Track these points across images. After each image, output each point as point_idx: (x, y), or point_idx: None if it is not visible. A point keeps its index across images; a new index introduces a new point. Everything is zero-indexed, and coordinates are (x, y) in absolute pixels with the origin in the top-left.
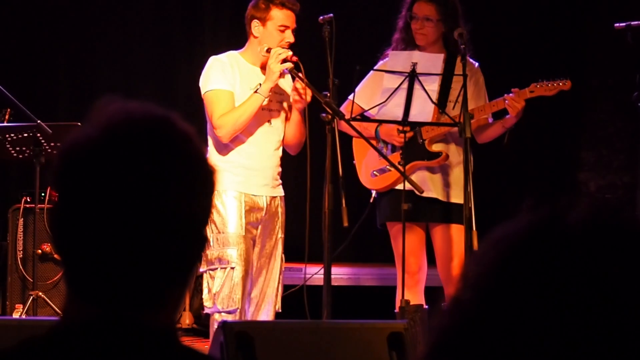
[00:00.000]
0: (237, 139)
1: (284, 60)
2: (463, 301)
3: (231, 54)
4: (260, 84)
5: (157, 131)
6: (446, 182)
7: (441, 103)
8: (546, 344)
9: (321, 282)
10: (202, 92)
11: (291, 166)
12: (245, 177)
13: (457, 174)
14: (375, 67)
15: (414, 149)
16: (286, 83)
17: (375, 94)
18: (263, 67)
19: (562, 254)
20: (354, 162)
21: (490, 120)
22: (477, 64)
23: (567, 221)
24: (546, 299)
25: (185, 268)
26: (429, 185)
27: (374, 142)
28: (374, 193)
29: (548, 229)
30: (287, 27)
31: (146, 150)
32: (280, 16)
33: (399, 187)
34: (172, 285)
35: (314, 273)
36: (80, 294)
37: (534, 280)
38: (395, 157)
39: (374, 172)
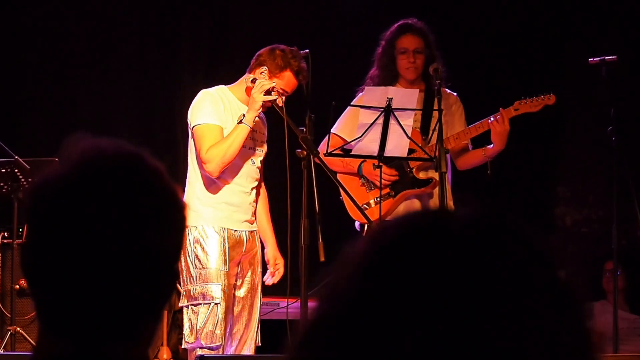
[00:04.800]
0: (221, 176)
1: (268, 93)
2: (337, 289)
3: (221, 89)
4: (244, 115)
5: (128, 167)
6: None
7: (424, 135)
8: (411, 336)
9: (299, 317)
10: (191, 125)
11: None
12: (228, 213)
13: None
14: (352, 103)
15: (402, 178)
16: (263, 124)
17: (356, 128)
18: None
19: (437, 248)
20: (341, 197)
21: (470, 147)
22: (454, 94)
23: (449, 220)
24: (413, 290)
25: (158, 302)
26: None
27: (356, 177)
28: (357, 225)
29: (429, 226)
30: (286, 93)
31: (117, 186)
32: (289, 81)
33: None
34: (144, 319)
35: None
36: (52, 329)
37: (405, 271)
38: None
39: (363, 206)
